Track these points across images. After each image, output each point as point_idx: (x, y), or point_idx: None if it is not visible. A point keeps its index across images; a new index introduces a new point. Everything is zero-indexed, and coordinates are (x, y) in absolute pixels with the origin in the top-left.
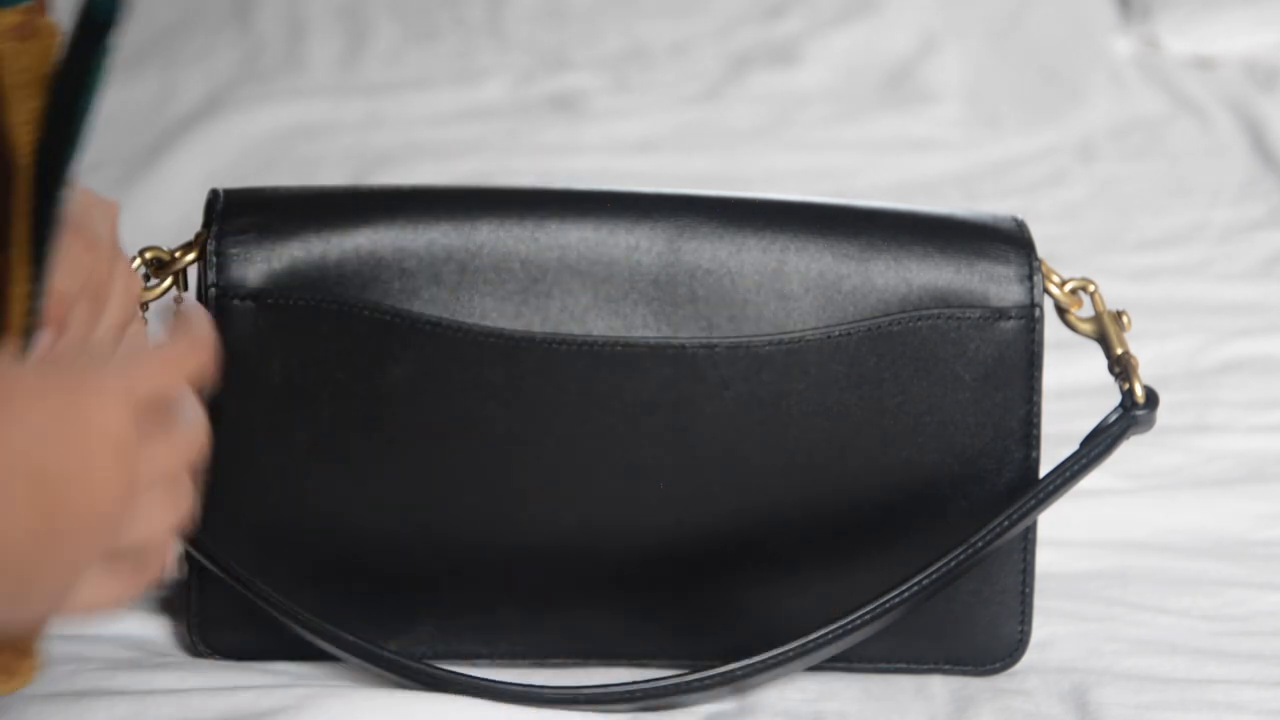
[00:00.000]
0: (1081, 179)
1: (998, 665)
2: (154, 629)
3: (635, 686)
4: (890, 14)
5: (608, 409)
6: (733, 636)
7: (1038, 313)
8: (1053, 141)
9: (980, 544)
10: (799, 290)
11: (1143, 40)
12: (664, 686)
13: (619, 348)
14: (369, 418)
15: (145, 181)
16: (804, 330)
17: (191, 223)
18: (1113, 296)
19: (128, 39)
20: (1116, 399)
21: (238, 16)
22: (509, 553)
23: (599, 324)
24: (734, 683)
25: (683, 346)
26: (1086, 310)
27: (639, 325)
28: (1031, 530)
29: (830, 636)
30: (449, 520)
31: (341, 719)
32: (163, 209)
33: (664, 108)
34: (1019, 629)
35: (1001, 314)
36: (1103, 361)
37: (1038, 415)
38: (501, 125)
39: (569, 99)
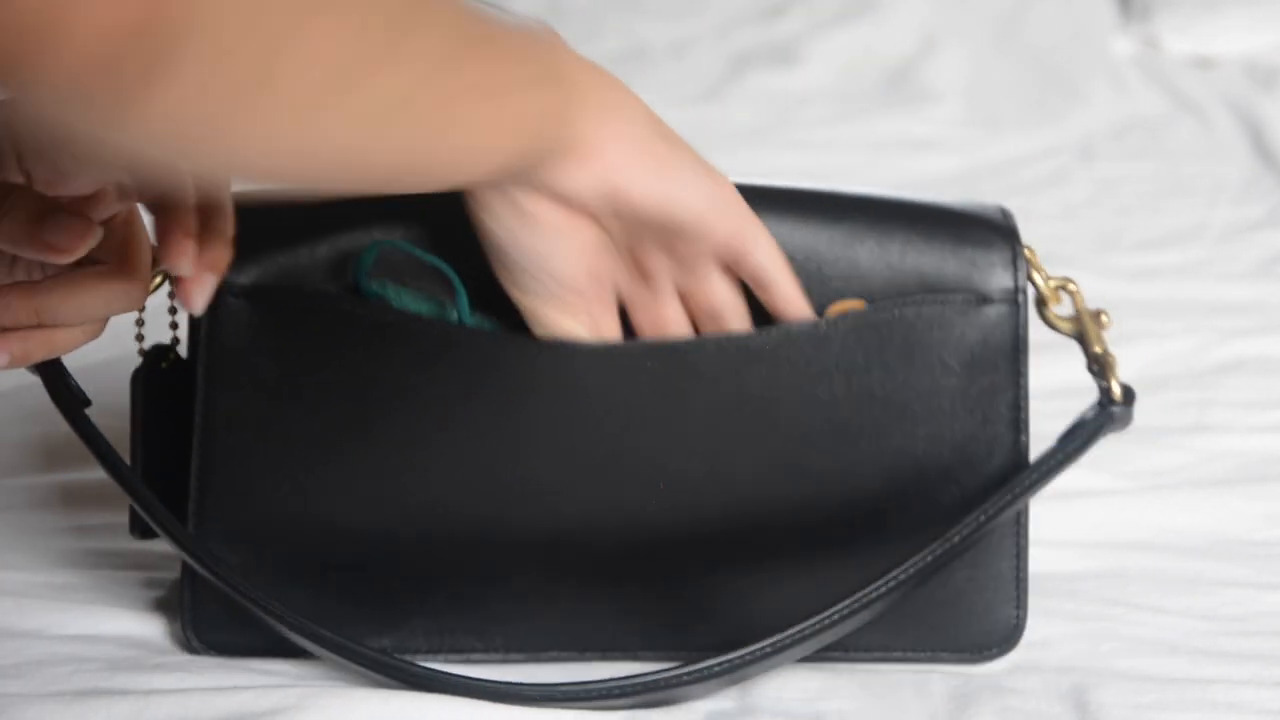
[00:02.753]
0: (1081, 179)
1: (994, 651)
2: (152, 628)
3: (629, 682)
4: (890, 14)
5: (599, 404)
6: (729, 629)
7: (1022, 298)
8: (1053, 141)
9: (956, 538)
10: None
11: (1143, 40)
12: (656, 680)
13: (609, 344)
14: (361, 416)
15: None
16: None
17: None
18: (1113, 296)
19: None
20: None
21: None
22: (502, 549)
23: None
24: (728, 674)
25: (673, 342)
26: (1066, 309)
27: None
28: (1023, 515)
29: (823, 624)
30: (442, 517)
31: (340, 718)
32: None
33: (664, 107)
34: (1014, 614)
35: (985, 299)
36: None
37: (1025, 399)
38: None
39: None
